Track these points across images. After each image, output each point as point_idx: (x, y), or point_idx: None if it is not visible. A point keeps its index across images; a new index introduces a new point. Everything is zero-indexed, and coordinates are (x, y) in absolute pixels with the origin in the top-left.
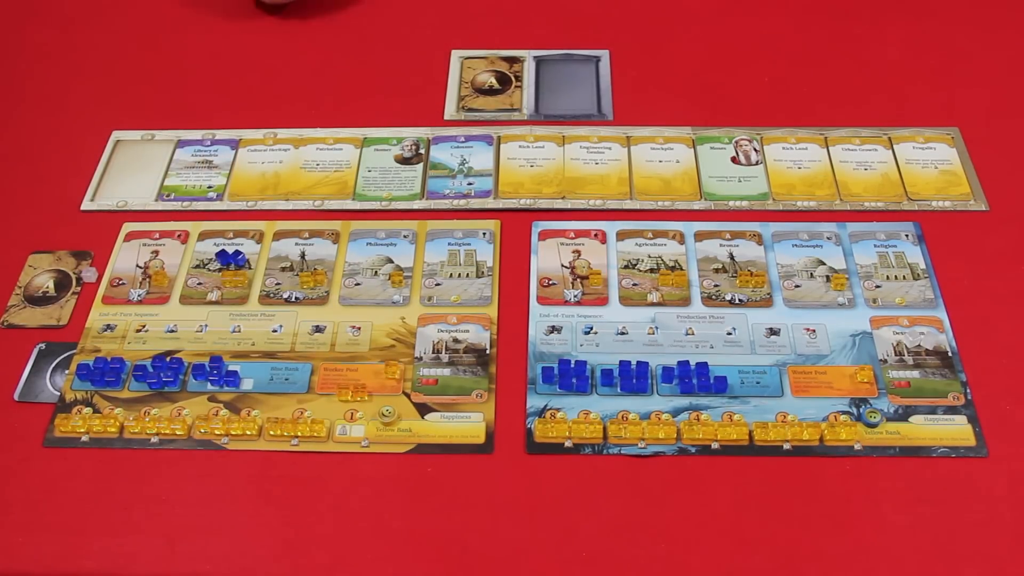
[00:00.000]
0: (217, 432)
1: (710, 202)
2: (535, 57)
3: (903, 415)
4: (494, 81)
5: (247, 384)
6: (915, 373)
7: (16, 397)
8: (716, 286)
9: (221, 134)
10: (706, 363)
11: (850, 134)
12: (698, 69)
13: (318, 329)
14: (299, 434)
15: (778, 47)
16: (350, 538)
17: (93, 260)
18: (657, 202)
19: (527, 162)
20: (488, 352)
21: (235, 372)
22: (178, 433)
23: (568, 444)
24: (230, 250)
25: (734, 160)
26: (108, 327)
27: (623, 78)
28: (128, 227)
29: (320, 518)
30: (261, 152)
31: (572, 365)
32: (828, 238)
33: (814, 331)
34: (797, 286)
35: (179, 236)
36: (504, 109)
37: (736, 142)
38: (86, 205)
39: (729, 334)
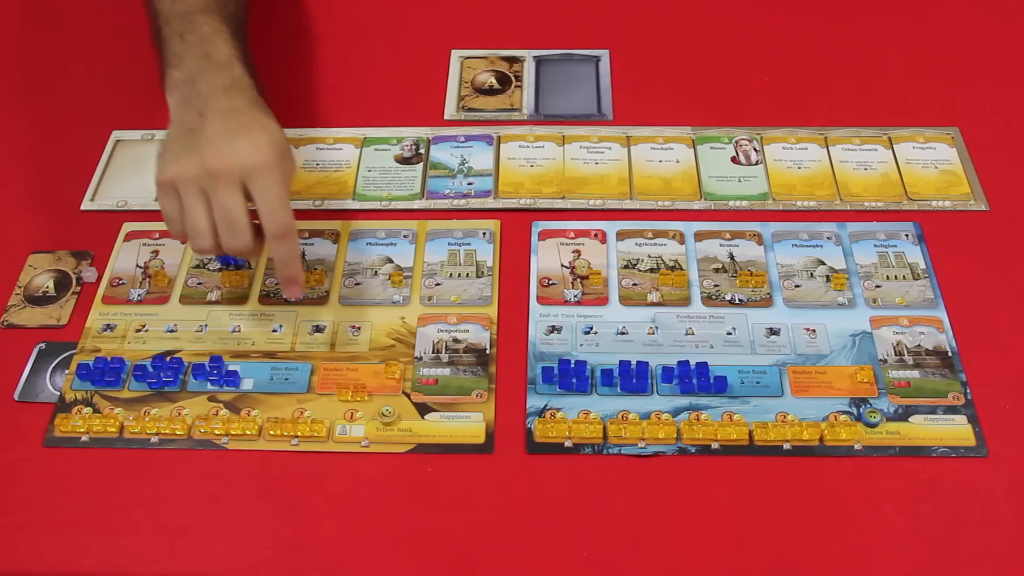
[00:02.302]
0: (217, 432)
1: (710, 202)
2: (535, 57)
3: (903, 415)
4: (494, 81)
5: (247, 384)
6: (915, 373)
7: (16, 397)
8: (716, 286)
9: None
10: (706, 363)
11: (850, 134)
12: (698, 69)
13: (318, 329)
14: (299, 434)
15: (778, 47)
16: (350, 538)
17: (93, 260)
18: (657, 202)
19: (527, 162)
20: (488, 352)
21: (235, 372)
22: (178, 433)
23: (568, 444)
24: None
25: (734, 160)
26: (108, 327)
27: (623, 78)
28: (128, 227)
29: (320, 518)
30: None
31: (572, 365)
32: (828, 238)
33: (814, 331)
34: (797, 286)
35: None
36: (504, 109)
37: (736, 142)
38: (86, 205)
39: (729, 334)
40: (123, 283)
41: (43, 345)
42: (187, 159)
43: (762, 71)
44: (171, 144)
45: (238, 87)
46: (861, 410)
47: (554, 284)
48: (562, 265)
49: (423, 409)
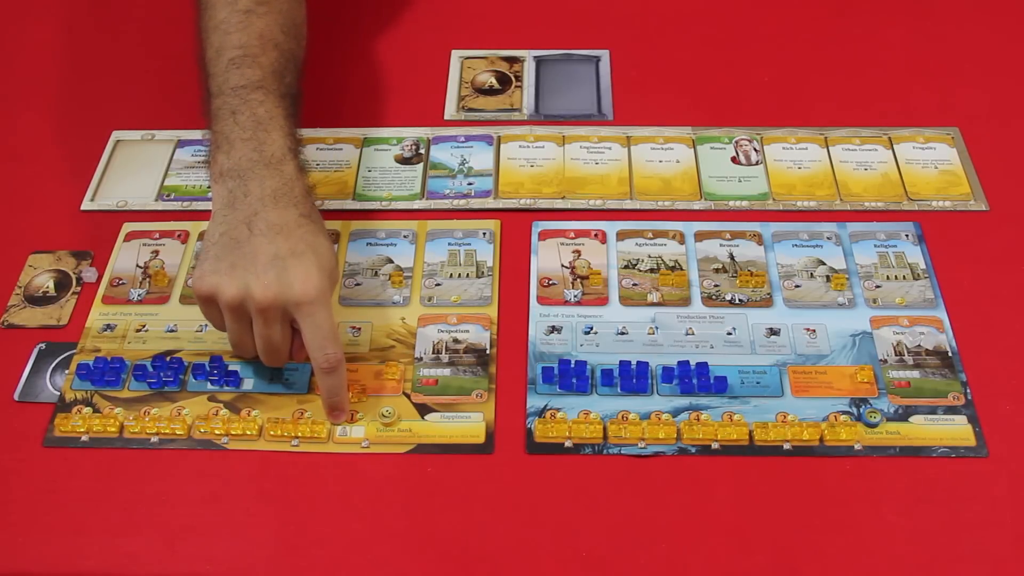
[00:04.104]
0: (217, 432)
1: (710, 202)
2: (535, 57)
3: (903, 415)
4: (494, 81)
5: (247, 384)
6: (915, 373)
7: (16, 397)
8: (716, 286)
9: None
10: (706, 363)
11: (850, 134)
12: (698, 69)
13: None
14: (299, 435)
15: (778, 47)
16: (350, 538)
17: (93, 260)
18: (657, 202)
19: (527, 162)
20: (488, 352)
21: (235, 372)
22: (178, 433)
23: (568, 444)
24: None
25: (734, 160)
26: (108, 327)
27: (623, 78)
28: (128, 227)
29: (320, 518)
30: None
31: (572, 365)
32: (828, 238)
33: (814, 331)
34: (797, 286)
35: (179, 236)
36: (504, 109)
37: (736, 142)
38: (86, 205)
39: (729, 334)
40: (123, 283)
41: (43, 345)
42: (230, 279)
43: (762, 71)
44: (213, 251)
45: (289, 194)
46: (861, 410)
47: (554, 284)
48: (562, 265)
49: (423, 409)
